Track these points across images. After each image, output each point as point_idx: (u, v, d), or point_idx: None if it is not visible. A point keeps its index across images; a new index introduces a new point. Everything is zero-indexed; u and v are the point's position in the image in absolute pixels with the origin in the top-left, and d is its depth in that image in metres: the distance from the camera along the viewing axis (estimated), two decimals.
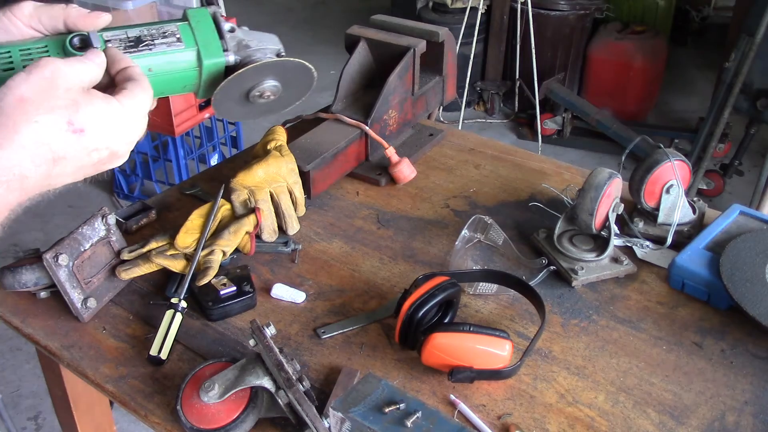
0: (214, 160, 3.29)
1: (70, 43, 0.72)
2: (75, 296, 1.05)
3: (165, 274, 1.15)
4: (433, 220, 1.34)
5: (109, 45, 0.75)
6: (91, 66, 0.67)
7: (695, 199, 1.33)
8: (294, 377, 0.86)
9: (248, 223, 1.20)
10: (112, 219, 1.13)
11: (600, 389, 0.98)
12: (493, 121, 4.14)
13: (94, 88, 0.67)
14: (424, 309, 0.98)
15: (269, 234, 1.23)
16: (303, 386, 0.87)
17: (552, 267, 1.18)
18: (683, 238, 1.25)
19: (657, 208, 1.26)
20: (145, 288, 1.15)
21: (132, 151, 0.71)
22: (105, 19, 0.74)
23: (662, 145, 1.28)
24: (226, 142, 3.37)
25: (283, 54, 0.85)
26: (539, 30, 3.68)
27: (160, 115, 2.81)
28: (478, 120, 4.13)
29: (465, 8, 3.71)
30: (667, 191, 1.24)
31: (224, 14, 0.94)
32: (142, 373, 1.00)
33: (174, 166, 3.04)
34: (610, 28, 3.97)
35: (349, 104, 1.50)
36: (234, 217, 1.22)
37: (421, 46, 1.46)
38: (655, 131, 3.57)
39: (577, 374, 1.00)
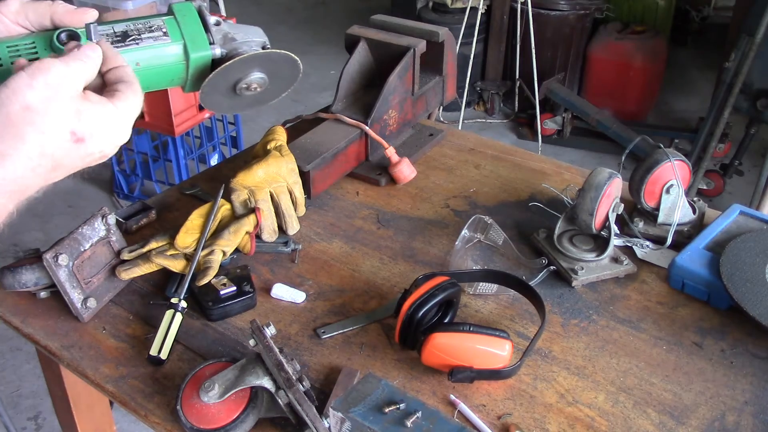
0: (214, 160, 3.28)
1: (58, 39, 0.72)
2: (75, 296, 1.05)
3: (165, 274, 1.15)
4: (433, 220, 1.34)
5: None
6: (90, 64, 0.67)
7: (695, 199, 1.33)
8: (294, 377, 0.86)
9: (248, 223, 1.20)
10: (112, 219, 1.13)
11: (600, 389, 0.98)
12: (493, 121, 4.14)
13: None
14: (424, 309, 0.98)
15: (269, 234, 1.23)
16: (303, 386, 0.87)
17: (552, 267, 1.18)
18: (683, 238, 1.25)
19: (657, 208, 1.26)
20: (145, 288, 1.15)
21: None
22: (92, 15, 0.74)
23: (662, 145, 1.28)
24: (226, 142, 3.36)
25: (268, 46, 0.86)
26: (539, 30, 3.68)
27: (160, 115, 2.80)
28: (478, 120, 4.13)
29: (465, 8, 3.70)
30: (667, 191, 1.24)
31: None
32: (142, 373, 1.00)
33: (174, 166, 3.04)
34: (610, 28, 3.96)
35: (349, 104, 1.50)
36: (234, 217, 1.22)
37: (421, 46, 1.46)
38: (655, 131, 3.57)
39: (577, 374, 1.00)
